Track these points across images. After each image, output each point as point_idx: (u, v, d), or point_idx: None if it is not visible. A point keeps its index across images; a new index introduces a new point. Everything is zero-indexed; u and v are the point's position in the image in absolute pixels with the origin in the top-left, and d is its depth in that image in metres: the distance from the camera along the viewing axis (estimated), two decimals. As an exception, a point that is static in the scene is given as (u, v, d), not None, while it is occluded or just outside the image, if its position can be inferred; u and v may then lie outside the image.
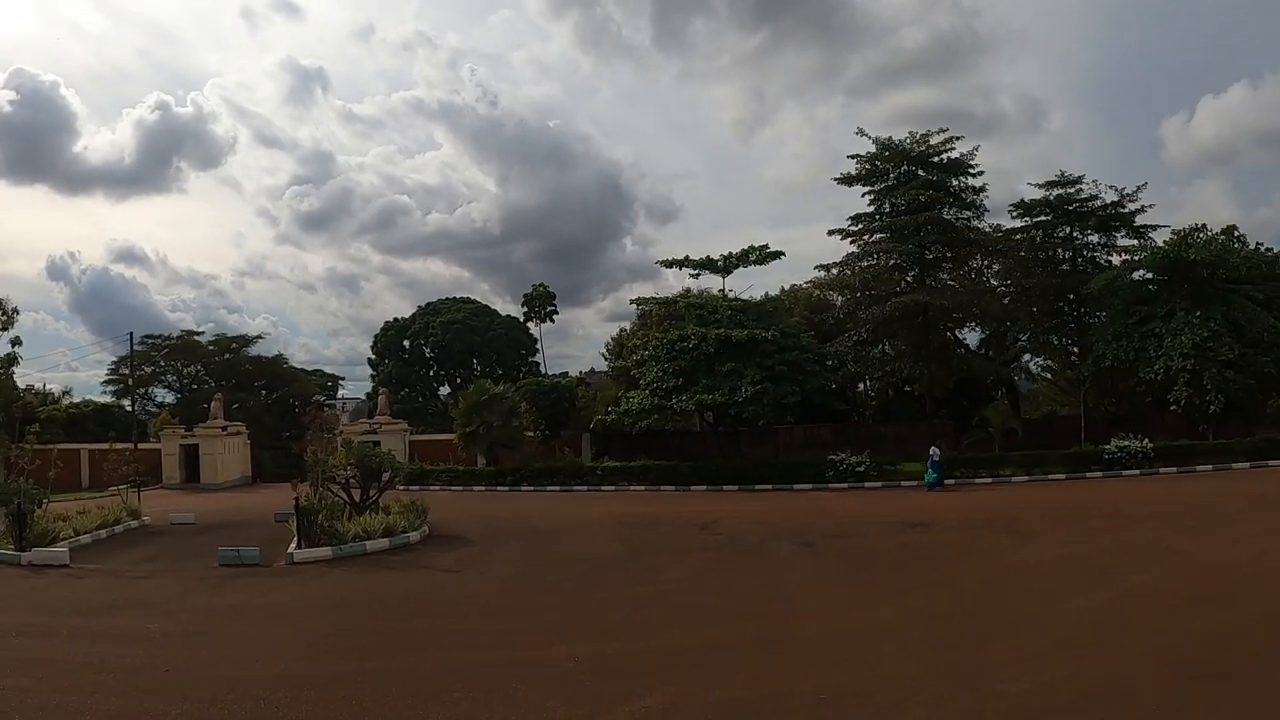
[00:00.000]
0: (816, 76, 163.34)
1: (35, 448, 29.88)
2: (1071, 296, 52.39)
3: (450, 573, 21.70)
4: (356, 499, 28.57)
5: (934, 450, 40.26)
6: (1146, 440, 41.65)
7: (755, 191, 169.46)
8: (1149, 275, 49.02)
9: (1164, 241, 48.18)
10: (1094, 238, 53.25)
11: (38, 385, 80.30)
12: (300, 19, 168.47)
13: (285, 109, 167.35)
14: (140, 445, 60.99)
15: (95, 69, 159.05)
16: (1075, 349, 53.67)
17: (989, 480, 41.47)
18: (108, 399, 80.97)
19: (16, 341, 54.49)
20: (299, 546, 24.10)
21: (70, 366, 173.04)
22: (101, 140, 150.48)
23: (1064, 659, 11.46)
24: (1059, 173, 52.73)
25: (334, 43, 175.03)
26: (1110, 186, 52.03)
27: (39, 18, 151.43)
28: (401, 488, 34.34)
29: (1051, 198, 52.56)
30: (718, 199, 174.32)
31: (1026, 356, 61.66)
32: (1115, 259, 52.08)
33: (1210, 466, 40.55)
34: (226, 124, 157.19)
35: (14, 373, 56.14)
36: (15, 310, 54.40)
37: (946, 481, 39.95)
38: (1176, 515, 26.81)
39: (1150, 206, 52.32)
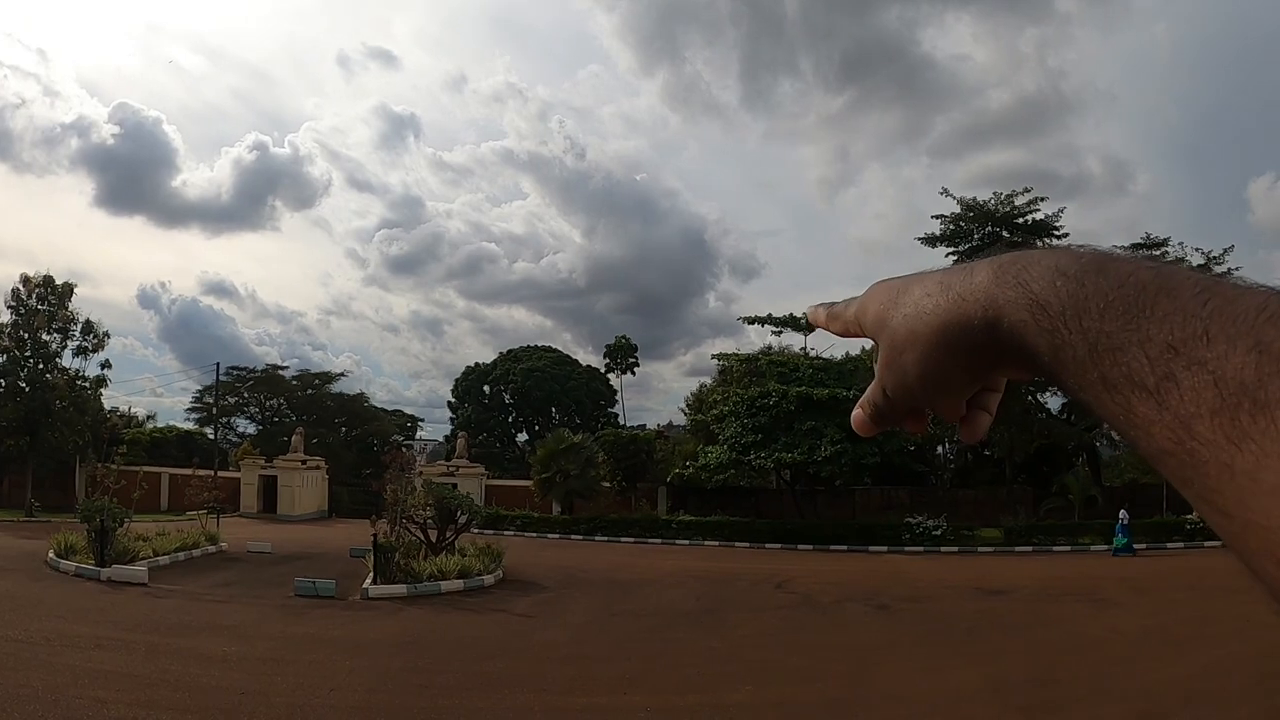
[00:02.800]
0: (901, 137, 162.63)
1: (120, 468, 30.37)
2: (1155, 360, 51.67)
3: (524, 617, 21.72)
4: (433, 539, 28.73)
5: (1123, 514, 39.38)
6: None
7: (838, 250, 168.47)
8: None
9: (1251, 304, 47.47)
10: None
11: (123, 408, 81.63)
12: (395, 67, 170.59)
13: (377, 154, 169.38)
14: (220, 473, 61.72)
15: (193, 107, 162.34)
16: (1159, 416, 52.91)
17: (1067, 548, 40.86)
18: (190, 426, 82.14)
19: (106, 364, 55.87)
20: (374, 582, 24.28)
21: (155, 392, 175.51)
22: (200, 176, 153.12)
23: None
24: (1144, 235, 52.21)
25: (427, 91, 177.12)
26: (1196, 249, 51.22)
27: (142, 55, 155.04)
28: (477, 531, 34.45)
29: (1137, 260, 51.78)
30: (801, 257, 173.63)
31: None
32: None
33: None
34: (321, 166, 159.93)
35: (102, 394, 57.35)
36: (106, 334, 55.89)
37: (1134, 547, 39.07)
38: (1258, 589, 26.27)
39: (1237, 269, 51.24)
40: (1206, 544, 38.74)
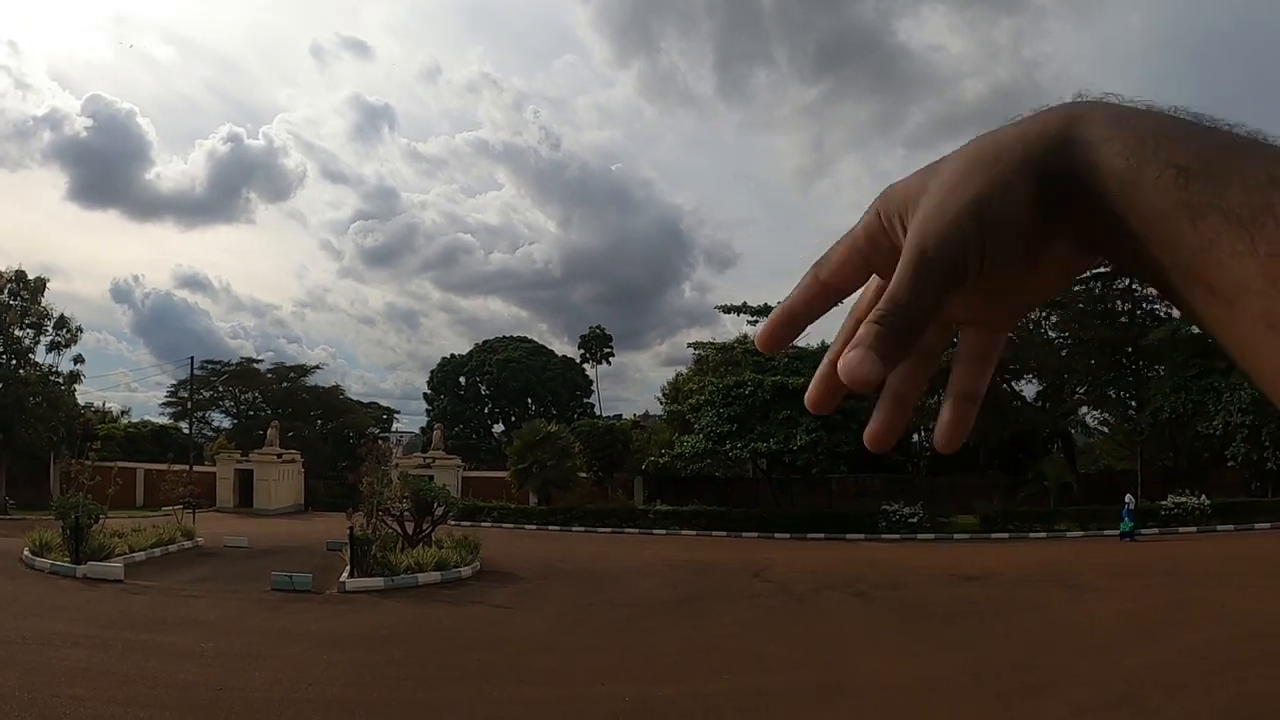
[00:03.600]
0: (876, 127, 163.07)
1: (95, 464, 30.24)
2: (1130, 349, 51.91)
3: (502, 609, 21.72)
4: (410, 531, 28.71)
5: (1129, 498, 39.55)
6: (1204, 496, 41.12)
7: (814, 239, 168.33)
8: (1209, 329, 48.29)
9: (1225, 294, 47.72)
10: (1153, 290, 52.41)
11: (98, 403, 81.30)
12: (368, 57, 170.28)
13: (351, 145, 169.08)
14: (196, 468, 61.53)
15: (165, 99, 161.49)
16: (1133, 402, 53.08)
17: (1043, 534, 41.07)
18: (165, 420, 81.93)
19: (79, 360, 55.60)
20: (352, 575, 24.25)
21: (130, 387, 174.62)
22: (173, 169, 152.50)
23: (1118, 716, 11.34)
24: (1120, 223, 52.30)
25: (401, 82, 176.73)
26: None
27: (112, 46, 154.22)
28: (454, 523, 34.40)
29: (1112, 249, 51.92)
30: (777, 246, 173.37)
31: (1083, 409, 60.71)
32: (1175, 311, 51.24)
33: (1269, 524, 39.86)
34: (295, 158, 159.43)
35: (76, 390, 57.12)
36: (79, 329, 55.68)
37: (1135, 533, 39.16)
38: (1234, 573, 26.39)
39: (1213, 258, 51.73)
40: (1181, 530, 39.04)
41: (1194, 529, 39.83)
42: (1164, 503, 41.67)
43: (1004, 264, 0.68)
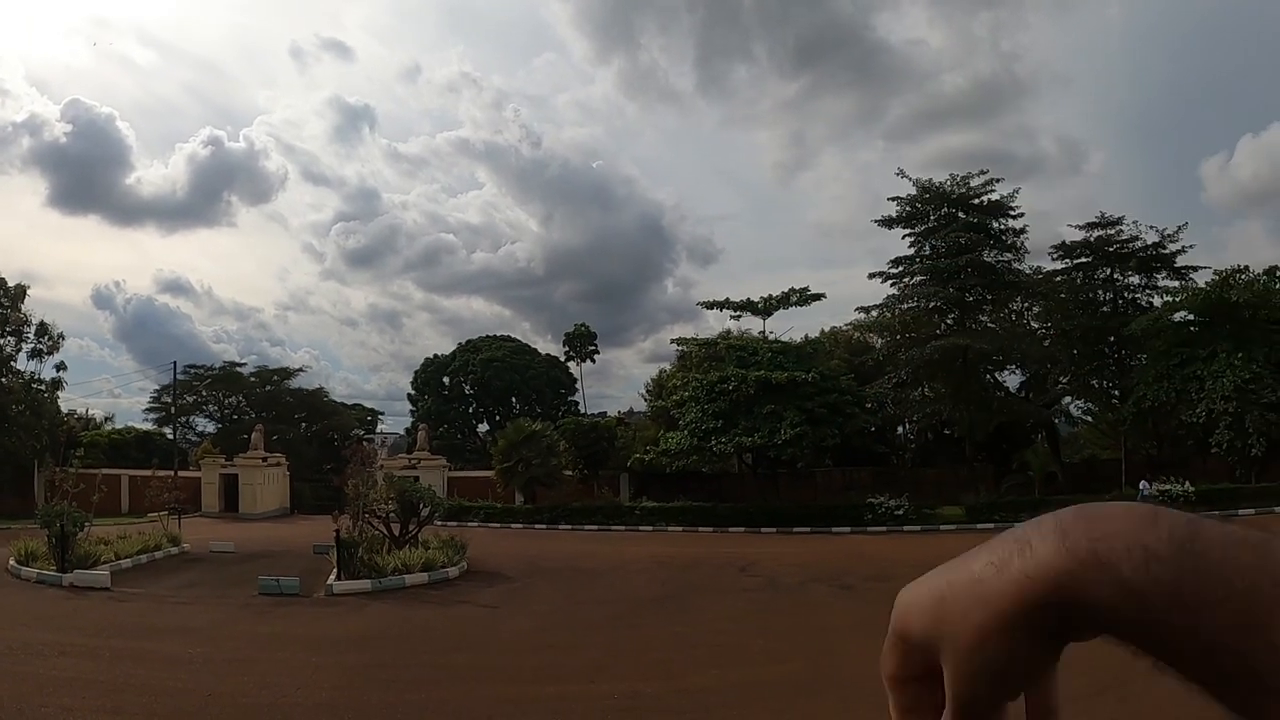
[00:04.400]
0: (856, 121, 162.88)
1: (79, 471, 30.16)
2: (1112, 339, 51.91)
3: (489, 608, 21.76)
4: (396, 533, 28.73)
5: (1144, 485, 39.63)
6: (1188, 484, 41.26)
7: (796, 234, 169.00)
8: (1190, 317, 48.51)
9: (1205, 283, 47.75)
10: (1135, 279, 52.66)
11: (81, 410, 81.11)
12: (348, 58, 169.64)
13: (332, 146, 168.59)
14: (180, 473, 61.39)
15: (144, 103, 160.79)
16: (1116, 391, 53.03)
17: (1029, 525, 41.18)
18: (149, 426, 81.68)
19: (61, 366, 55.36)
20: (339, 578, 24.29)
21: (113, 393, 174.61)
22: (154, 173, 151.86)
23: (1104, 701, 11.41)
24: (1099, 214, 52.26)
25: (381, 82, 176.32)
26: (1151, 227, 51.36)
27: (90, 51, 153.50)
28: (440, 523, 34.39)
29: (1092, 239, 52.05)
30: (758, 241, 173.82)
31: (1067, 399, 60.70)
32: (1156, 300, 51.39)
33: (1253, 510, 39.97)
34: (276, 160, 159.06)
35: (58, 397, 56.91)
36: (61, 336, 55.44)
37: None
38: None
39: (1191, 247, 51.69)
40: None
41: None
42: (1141, 489, 41.79)
43: (1022, 688, 0.73)
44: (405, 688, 13.34)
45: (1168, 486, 41.08)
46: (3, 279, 54.33)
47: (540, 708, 11.98)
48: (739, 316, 57.34)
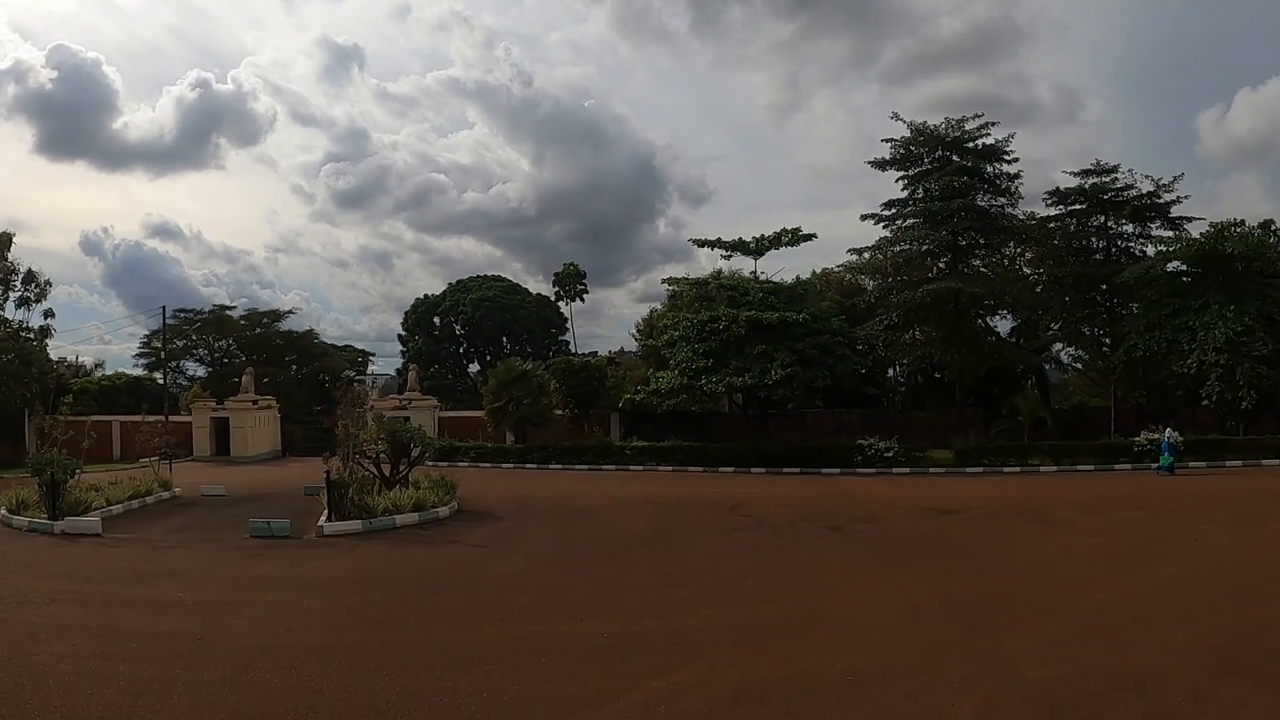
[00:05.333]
0: (851, 64, 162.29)
1: (68, 419, 30.12)
2: (1104, 287, 51.90)
3: (480, 548, 21.83)
4: (387, 474, 28.76)
5: (1170, 431, 39.37)
6: (1177, 434, 41.34)
7: (788, 175, 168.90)
8: (1183, 267, 48.42)
9: (1200, 234, 47.70)
10: (1128, 228, 52.67)
11: (71, 358, 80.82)
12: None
13: (321, 87, 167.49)
14: (171, 418, 61.35)
15: (129, 46, 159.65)
16: (1107, 340, 53.12)
17: (1017, 469, 41.26)
18: (140, 372, 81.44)
19: (49, 314, 55.08)
20: (329, 520, 24.31)
21: (103, 340, 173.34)
22: (141, 117, 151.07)
23: (1091, 648, 11.44)
24: (1094, 161, 52.13)
25: (370, 21, 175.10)
26: (1146, 176, 51.33)
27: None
28: (431, 463, 34.40)
29: (1086, 186, 51.96)
30: (751, 182, 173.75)
31: (1057, 346, 60.68)
32: (1150, 250, 51.51)
33: (1240, 462, 40.36)
34: (265, 102, 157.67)
35: (47, 345, 56.70)
36: (48, 283, 55.16)
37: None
38: (1205, 509, 26.69)
39: (1186, 198, 51.72)
40: (1152, 466, 39.25)
41: (1161, 465, 39.97)
42: (1136, 439, 41.85)
43: None
44: (395, 628, 13.39)
45: (1156, 435, 41.08)
46: (-11, 228, 54.06)
47: (529, 646, 12.02)
48: (730, 256, 57.30)
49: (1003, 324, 59.24)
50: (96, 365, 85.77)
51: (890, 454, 43.28)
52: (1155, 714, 9.01)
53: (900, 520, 25.85)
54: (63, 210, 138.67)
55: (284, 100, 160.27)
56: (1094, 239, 53.06)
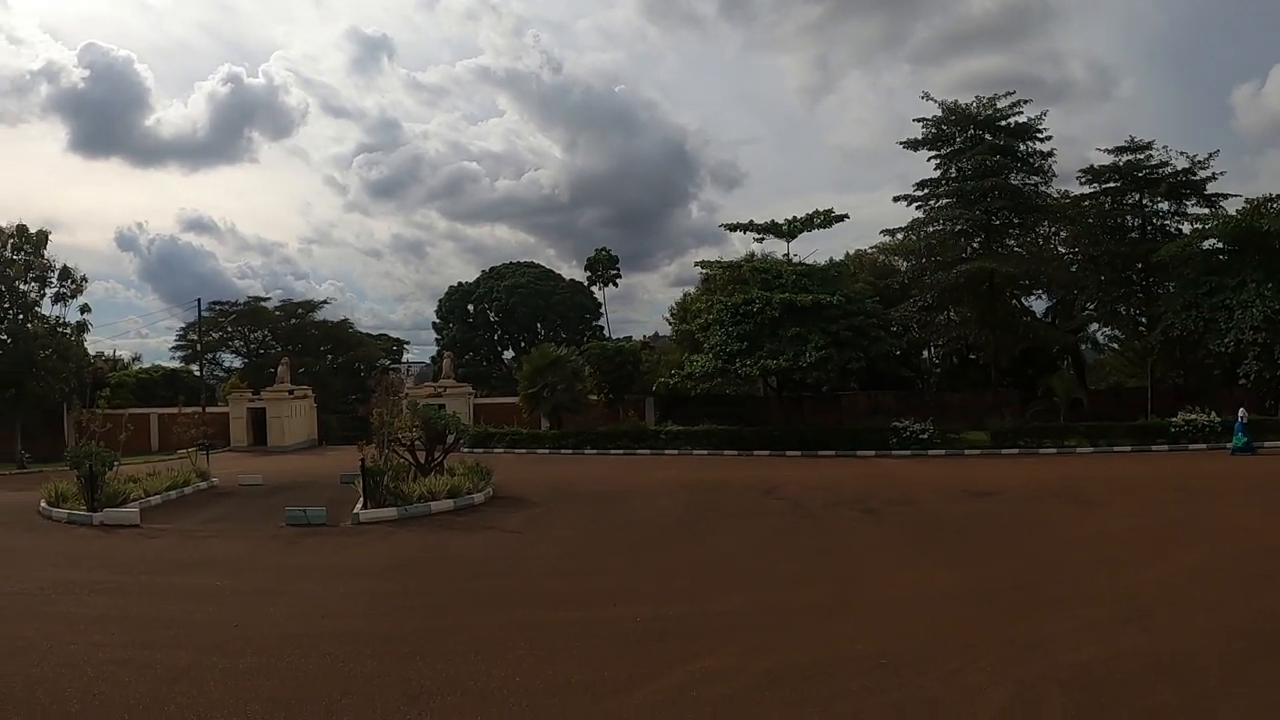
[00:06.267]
0: (881, 44, 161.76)
1: (106, 412, 30.33)
2: (1140, 265, 51.35)
3: (514, 534, 21.87)
4: (422, 461, 28.88)
5: (1242, 412, 38.80)
6: (1214, 414, 40.96)
7: (820, 158, 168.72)
8: (1220, 245, 47.68)
9: (1236, 211, 47.10)
10: (1164, 205, 52.08)
11: (108, 352, 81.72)
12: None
13: (351, 79, 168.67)
14: (208, 409, 61.84)
15: (159, 43, 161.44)
16: (1143, 319, 52.63)
17: (1053, 451, 41.02)
18: (176, 364, 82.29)
19: (85, 309, 55.57)
20: (365, 507, 24.44)
21: (140, 333, 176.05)
22: (174, 114, 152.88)
23: (1125, 632, 11.33)
24: (1128, 138, 51.67)
25: (399, 12, 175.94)
26: (1181, 153, 50.75)
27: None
28: (466, 450, 34.53)
29: (1121, 164, 51.40)
30: (782, 165, 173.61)
31: (1093, 326, 60.22)
32: (1185, 228, 50.82)
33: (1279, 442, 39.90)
34: (296, 95, 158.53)
35: (85, 340, 57.21)
36: (84, 279, 55.74)
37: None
38: (1243, 491, 26.44)
39: (1221, 174, 50.99)
40: (1191, 447, 38.95)
41: (1204, 446, 39.74)
42: (1174, 420, 41.50)
43: None
44: (429, 614, 13.43)
45: (1193, 416, 40.76)
46: (24, 226, 54.59)
47: (562, 632, 12.04)
48: (763, 239, 57.03)
49: (1038, 304, 59.00)
50: (134, 359, 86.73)
51: (925, 436, 43.13)
52: (1189, 698, 8.92)
53: (935, 503, 25.72)
54: (98, 207, 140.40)
55: (315, 93, 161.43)
56: (1129, 217, 52.55)
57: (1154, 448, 40.13)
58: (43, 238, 54.72)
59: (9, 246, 53.66)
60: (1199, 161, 50.36)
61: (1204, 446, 39.59)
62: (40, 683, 10.24)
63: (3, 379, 52.46)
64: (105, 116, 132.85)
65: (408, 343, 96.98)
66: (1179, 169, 50.56)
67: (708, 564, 17.50)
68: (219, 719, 9.04)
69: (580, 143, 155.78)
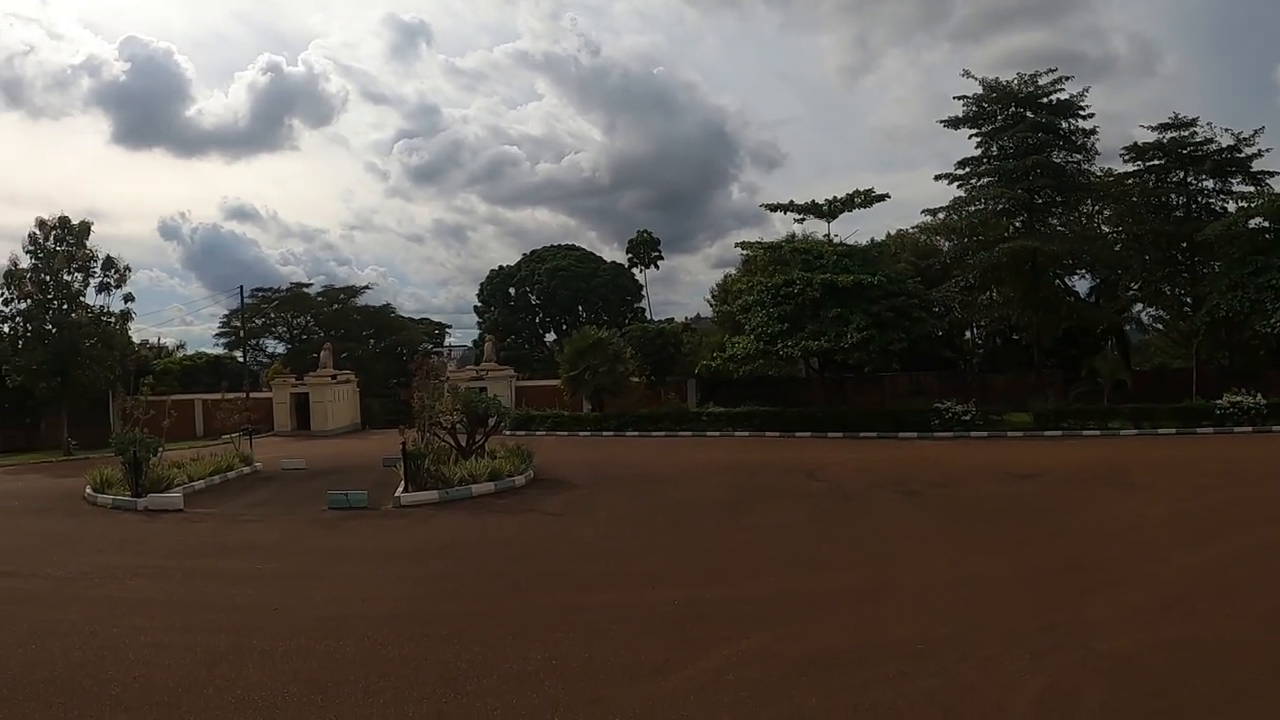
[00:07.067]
0: (920, 22, 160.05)
1: (149, 399, 30.59)
2: (1185, 244, 50.75)
3: (555, 516, 21.97)
4: (463, 444, 28.99)
5: None
6: (1260, 396, 40.40)
7: (860, 137, 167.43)
8: (1266, 224, 46.56)
9: (1283, 188, 46.56)
10: (1209, 183, 51.24)
11: (153, 340, 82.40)
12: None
13: (390, 65, 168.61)
14: (252, 394, 62.27)
15: (197, 35, 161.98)
16: (1188, 299, 51.84)
17: (1097, 432, 40.60)
18: (220, 351, 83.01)
19: (129, 298, 56.15)
20: (406, 490, 24.60)
21: (185, 321, 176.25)
22: (215, 104, 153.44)
23: (1167, 619, 11.22)
24: (1172, 115, 51.06)
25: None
26: (1226, 130, 49.93)
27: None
28: (507, 433, 34.65)
29: (1165, 141, 50.68)
30: (822, 145, 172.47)
31: (1138, 306, 59.33)
32: (1231, 206, 50.13)
33: (1326, 424, 39.32)
34: (335, 82, 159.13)
35: (129, 328, 57.79)
36: (127, 268, 56.27)
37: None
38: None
39: (1268, 151, 50.11)
40: (1236, 430, 38.53)
41: (1249, 429, 39.23)
42: (1219, 402, 40.94)
43: None
44: (468, 597, 13.51)
45: (1239, 398, 40.25)
46: (66, 218, 55.12)
47: (600, 614, 12.07)
48: (803, 220, 56.59)
49: (1081, 284, 58.29)
50: (178, 346, 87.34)
51: (968, 417, 42.83)
52: (1231, 689, 8.82)
53: (977, 485, 25.60)
54: (141, 198, 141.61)
55: (354, 80, 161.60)
56: (1173, 195, 51.77)
57: (1199, 430, 39.60)
58: (85, 229, 55.21)
59: (52, 238, 54.24)
60: (1244, 138, 49.68)
61: (1250, 429, 39.03)
62: (82, 666, 10.39)
63: (49, 368, 53.18)
64: (147, 108, 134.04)
65: (450, 327, 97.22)
66: (1224, 146, 49.84)
67: (747, 546, 17.52)
68: (257, 701, 9.14)
69: (620, 125, 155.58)
